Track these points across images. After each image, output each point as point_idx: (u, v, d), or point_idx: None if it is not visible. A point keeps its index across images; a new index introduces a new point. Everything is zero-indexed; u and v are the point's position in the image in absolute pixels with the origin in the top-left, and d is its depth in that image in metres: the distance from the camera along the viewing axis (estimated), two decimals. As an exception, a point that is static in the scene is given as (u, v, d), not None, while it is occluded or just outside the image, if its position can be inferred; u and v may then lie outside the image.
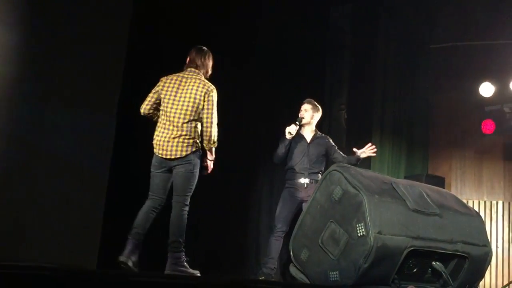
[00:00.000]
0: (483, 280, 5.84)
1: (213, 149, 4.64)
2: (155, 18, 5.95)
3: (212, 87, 4.60)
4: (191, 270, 4.36)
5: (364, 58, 8.25)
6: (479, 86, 8.32)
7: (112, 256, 4.63)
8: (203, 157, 4.66)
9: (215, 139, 4.57)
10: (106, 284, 2.24)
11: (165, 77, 4.64)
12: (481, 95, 8.35)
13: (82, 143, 5.36)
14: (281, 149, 5.62)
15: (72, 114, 5.29)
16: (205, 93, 4.52)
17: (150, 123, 4.87)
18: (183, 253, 4.38)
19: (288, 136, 5.56)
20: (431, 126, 8.98)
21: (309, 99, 5.85)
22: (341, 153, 5.65)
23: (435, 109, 8.95)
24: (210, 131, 4.52)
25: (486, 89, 8.30)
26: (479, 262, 3.97)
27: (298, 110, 5.85)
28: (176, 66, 4.72)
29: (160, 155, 4.49)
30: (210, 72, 4.77)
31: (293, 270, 3.97)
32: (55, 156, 5.20)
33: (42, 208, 5.01)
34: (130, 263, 4.24)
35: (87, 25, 5.39)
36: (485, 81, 8.29)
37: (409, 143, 8.76)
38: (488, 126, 8.32)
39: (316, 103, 5.82)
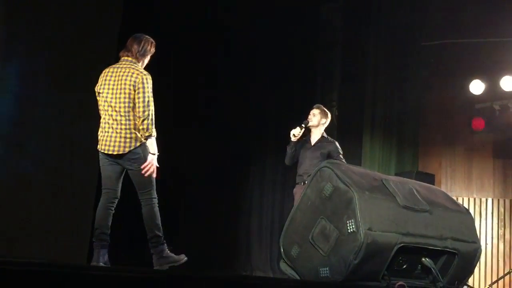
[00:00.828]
0: (472, 276, 5.88)
1: (153, 142, 4.32)
2: (147, 16, 5.95)
3: (144, 73, 4.31)
4: (176, 257, 4.33)
5: (355, 55, 8.28)
6: (469, 84, 8.36)
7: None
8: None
9: (149, 126, 4.25)
10: (96, 279, 2.24)
11: (104, 70, 4.46)
12: (471, 93, 8.38)
13: (73, 141, 5.36)
14: (288, 151, 5.76)
15: (61, 113, 5.29)
16: (135, 81, 4.26)
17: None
18: (165, 245, 4.34)
19: (292, 138, 5.67)
20: (421, 124, 9.02)
21: (318, 104, 5.99)
22: (343, 159, 5.69)
23: (425, 107, 8.98)
24: (143, 120, 4.24)
25: (476, 87, 8.34)
26: (469, 259, 3.99)
27: (290, 107, 5.86)
28: (166, 65, 4.67)
29: (102, 151, 4.33)
30: (146, 59, 4.49)
31: (283, 266, 3.97)
32: (46, 155, 5.21)
33: (33, 206, 5.01)
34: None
35: (78, 25, 5.38)
36: (475, 78, 8.32)
37: (400, 140, 8.80)
38: (478, 124, 8.36)
39: (325, 109, 5.93)
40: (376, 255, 3.56)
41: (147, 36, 4.50)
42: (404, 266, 3.80)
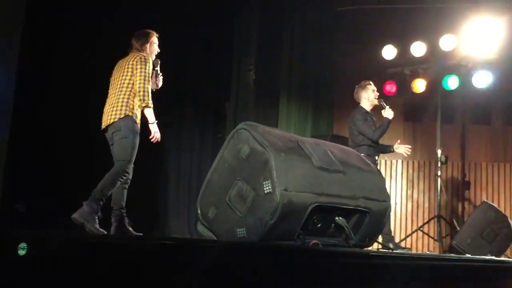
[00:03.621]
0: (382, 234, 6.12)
1: (150, 112, 4.85)
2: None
3: (143, 55, 4.87)
4: (97, 226, 4.35)
5: (272, 19, 8.28)
6: (382, 49, 8.55)
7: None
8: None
9: (146, 98, 4.76)
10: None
11: None
12: (384, 58, 8.59)
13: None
14: None
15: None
16: (134, 60, 4.80)
17: (54, 62, 5.33)
18: (96, 207, 4.46)
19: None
20: (336, 88, 9.18)
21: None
22: (352, 127, 6.49)
23: (340, 71, 9.13)
24: (139, 92, 4.75)
25: (388, 52, 8.56)
26: (379, 217, 4.14)
27: (207, 71, 5.75)
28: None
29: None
30: (151, 48, 5.00)
31: (200, 228, 3.98)
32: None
33: None
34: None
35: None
36: (388, 44, 8.53)
37: (315, 104, 8.94)
38: (390, 88, 8.60)
39: (360, 85, 6.85)
40: (291, 215, 3.62)
41: (145, 30, 5.05)
42: (319, 225, 3.90)
